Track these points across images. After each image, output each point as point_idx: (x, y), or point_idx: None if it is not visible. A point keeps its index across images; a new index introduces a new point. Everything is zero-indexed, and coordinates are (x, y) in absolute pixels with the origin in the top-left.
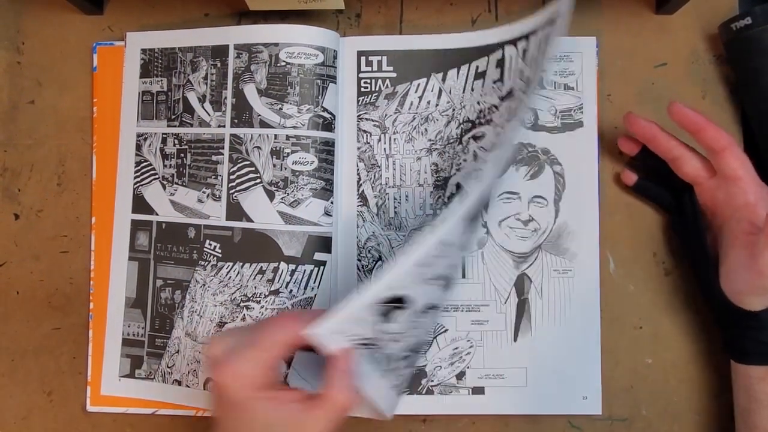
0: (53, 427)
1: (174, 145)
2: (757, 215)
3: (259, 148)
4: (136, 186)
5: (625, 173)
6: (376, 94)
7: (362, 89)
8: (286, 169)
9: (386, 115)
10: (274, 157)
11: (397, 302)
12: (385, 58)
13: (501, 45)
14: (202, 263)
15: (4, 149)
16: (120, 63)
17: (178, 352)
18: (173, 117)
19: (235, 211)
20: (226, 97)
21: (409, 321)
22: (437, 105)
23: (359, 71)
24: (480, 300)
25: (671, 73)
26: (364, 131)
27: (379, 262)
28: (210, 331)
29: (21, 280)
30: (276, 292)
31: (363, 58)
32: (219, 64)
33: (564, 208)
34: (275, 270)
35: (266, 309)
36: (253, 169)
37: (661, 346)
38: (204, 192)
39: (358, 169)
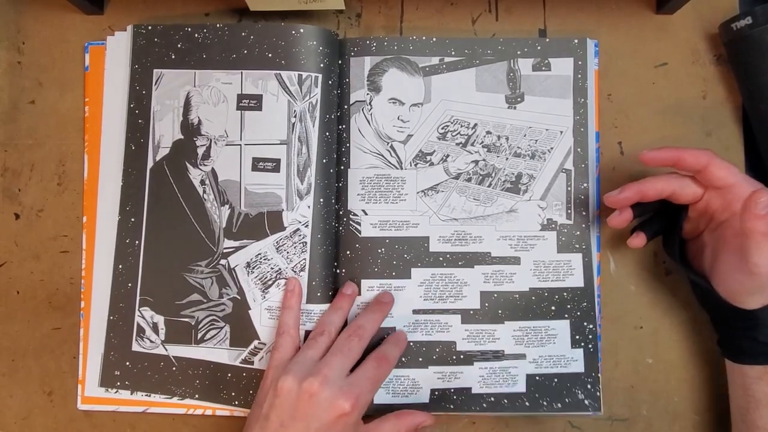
0: (53, 427)
1: None
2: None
3: None
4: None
5: (632, 240)
6: None
7: None
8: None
9: None
10: None
11: None
12: None
13: None
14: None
15: (5, 149)
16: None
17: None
18: None
19: None
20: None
21: None
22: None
23: None
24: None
25: (671, 73)
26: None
27: None
28: None
29: (21, 280)
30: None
31: None
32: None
33: None
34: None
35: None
36: None
37: (661, 346)
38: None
39: None
